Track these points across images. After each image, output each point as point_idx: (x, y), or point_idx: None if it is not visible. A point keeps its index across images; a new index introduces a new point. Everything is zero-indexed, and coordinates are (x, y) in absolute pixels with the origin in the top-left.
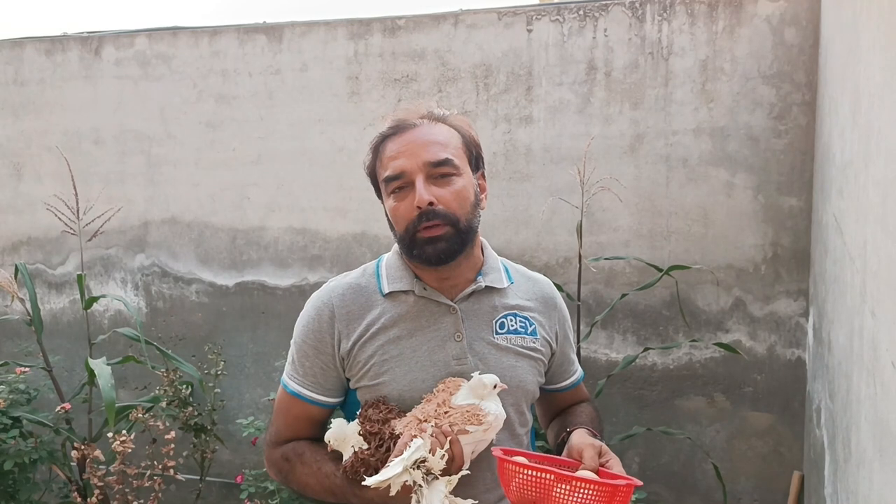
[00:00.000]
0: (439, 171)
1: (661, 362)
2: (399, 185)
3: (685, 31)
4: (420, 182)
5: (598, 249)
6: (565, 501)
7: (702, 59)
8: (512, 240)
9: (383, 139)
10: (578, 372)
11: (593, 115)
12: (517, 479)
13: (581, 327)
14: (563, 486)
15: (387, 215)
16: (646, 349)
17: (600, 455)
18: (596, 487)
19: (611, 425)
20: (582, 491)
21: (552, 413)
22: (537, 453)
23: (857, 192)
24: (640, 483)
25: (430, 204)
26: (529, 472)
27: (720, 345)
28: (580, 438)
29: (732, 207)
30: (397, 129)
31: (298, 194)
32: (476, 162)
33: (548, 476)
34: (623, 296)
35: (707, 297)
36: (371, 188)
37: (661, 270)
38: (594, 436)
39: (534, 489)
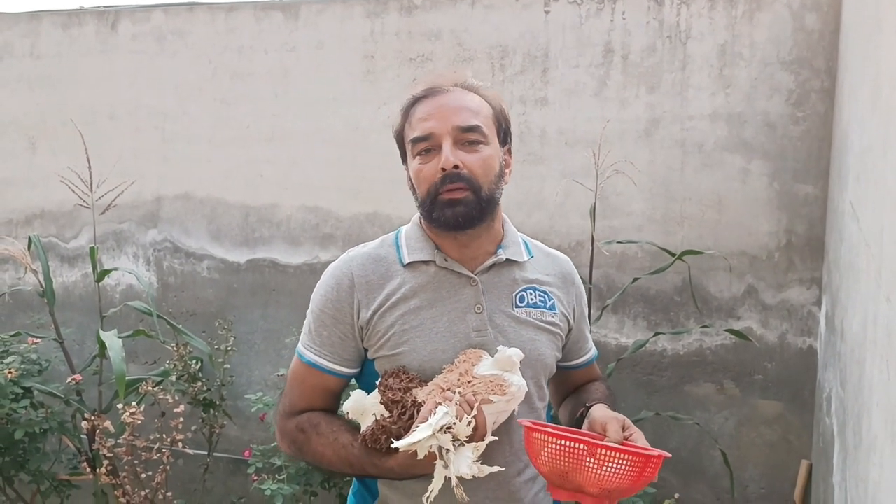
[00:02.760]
0: (468, 137)
1: (672, 348)
2: (426, 146)
3: (704, 14)
4: (448, 145)
5: (611, 233)
6: (597, 471)
7: (720, 43)
8: (524, 222)
9: (415, 101)
10: (593, 350)
11: (609, 99)
12: (548, 449)
13: (592, 311)
14: (592, 460)
15: (409, 180)
16: (656, 334)
17: (624, 428)
18: (629, 458)
19: (619, 410)
20: (614, 461)
21: (565, 391)
22: (561, 426)
23: (875, 179)
24: (669, 455)
25: (456, 167)
26: (561, 441)
27: (731, 331)
28: (602, 412)
29: (747, 194)
30: (430, 93)
31: (311, 173)
32: (504, 136)
33: (579, 446)
34: (635, 279)
35: (719, 284)
36: (383, 167)
37: (673, 255)
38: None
39: (565, 459)
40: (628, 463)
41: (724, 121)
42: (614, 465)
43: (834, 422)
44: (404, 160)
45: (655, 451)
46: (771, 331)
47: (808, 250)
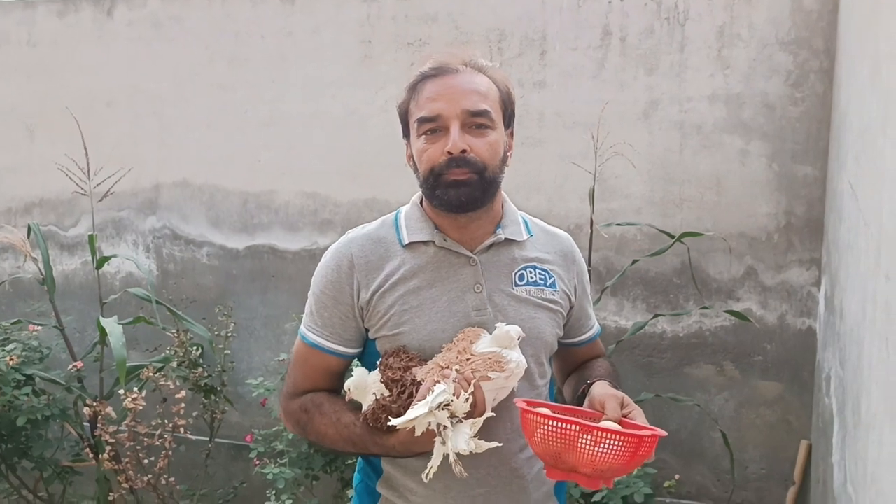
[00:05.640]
0: (476, 121)
1: (671, 330)
2: (433, 127)
3: None
4: (455, 128)
5: (610, 216)
6: (590, 452)
7: (719, 24)
8: (523, 206)
9: (423, 79)
10: (595, 327)
11: (607, 81)
12: (541, 430)
13: (591, 293)
14: (587, 437)
15: (411, 157)
16: (655, 316)
17: (623, 406)
18: (621, 438)
19: (620, 388)
20: (607, 442)
21: (569, 369)
22: (559, 404)
23: (875, 157)
24: (665, 433)
25: (463, 151)
26: (554, 423)
27: (731, 312)
28: (602, 389)
29: (746, 175)
30: (439, 72)
31: (310, 158)
32: (509, 119)
33: (572, 427)
34: (634, 262)
35: (718, 266)
36: (381, 152)
37: (673, 237)
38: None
39: (558, 440)
40: (621, 444)
41: (722, 102)
42: (607, 446)
43: (833, 401)
44: (406, 136)
45: (649, 431)
46: (770, 312)
47: (807, 231)
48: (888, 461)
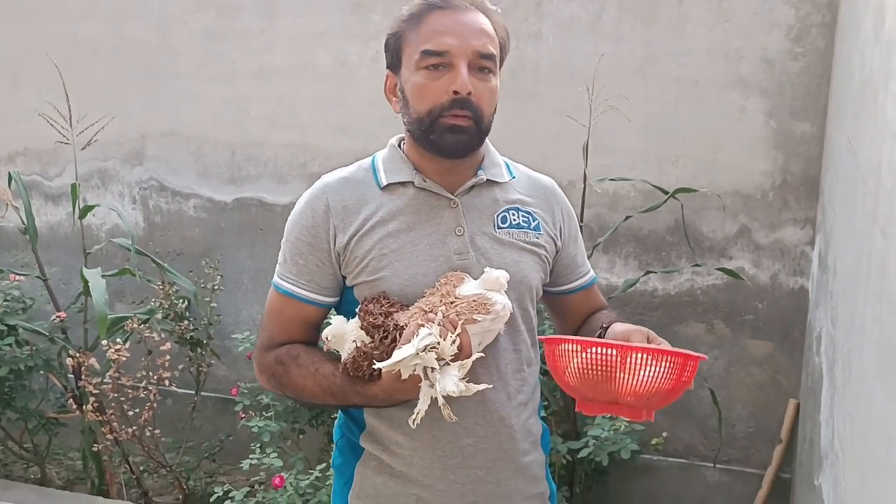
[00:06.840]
0: (483, 64)
1: (662, 288)
2: (438, 62)
3: None
4: (464, 67)
5: (604, 172)
6: (632, 379)
7: None
8: (516, 160)
9: (430, 8)
10: (590, 274)
11: (604, 33)
12: (577, 360)
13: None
14: (635, 356)
15: (394, 90)
16: (647, 273)
17: (649, 340)
18: (668, 358)
19: None
20: (651, 365)
21: (572, 321)
22: (582, 338)
23: (876, 111)
24: (706, 357)
25: (468, 93)
26: (595, 348)
27: (723, 270)
28: (624, 326)
29: (743, 132)
30: (447, 4)
31: (299, 109)
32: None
33: (610, 351)
34: (627, 218)
35: (712, 224)
36: (372, 104)
37: (667, 193)
38: None
39: (598, 368)
40: (667, 364)
41: (721, 56)
42: (652, 370)
43: (823, 360)
44: (391, 67)
45: (693, 354)
46: (763, 271)
47: (802, 190)
48: (878, 420)
